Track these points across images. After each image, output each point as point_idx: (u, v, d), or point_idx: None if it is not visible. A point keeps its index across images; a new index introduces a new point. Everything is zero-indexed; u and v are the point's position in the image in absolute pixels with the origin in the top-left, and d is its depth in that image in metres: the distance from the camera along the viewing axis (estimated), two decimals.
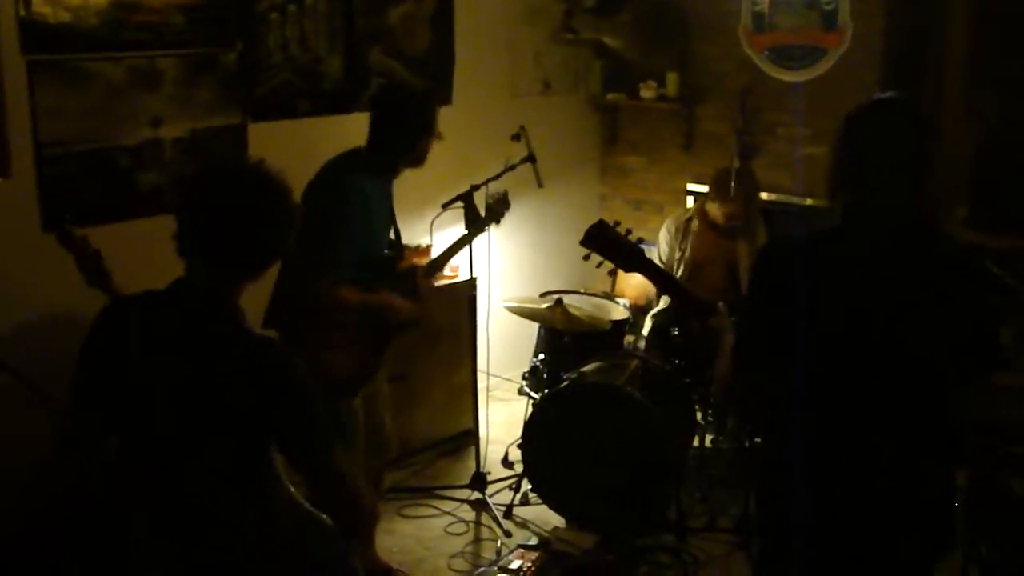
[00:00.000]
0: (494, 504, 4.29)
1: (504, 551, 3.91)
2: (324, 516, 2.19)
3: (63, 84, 3.60)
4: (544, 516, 4.19)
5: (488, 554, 3.99)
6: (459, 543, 4.08)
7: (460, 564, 3.93)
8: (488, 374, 4.85)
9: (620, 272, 3.72)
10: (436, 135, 3.50)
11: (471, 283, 4.45)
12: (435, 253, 4.66)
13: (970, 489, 3.19)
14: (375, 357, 3.50)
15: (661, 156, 5.81)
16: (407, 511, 4.31)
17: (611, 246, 2.67)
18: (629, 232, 2.73)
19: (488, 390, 4.88)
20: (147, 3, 3.77)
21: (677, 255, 4.79)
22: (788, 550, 2.21)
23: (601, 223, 2.69)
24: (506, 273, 5.22)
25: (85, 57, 3.64)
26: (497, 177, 4.23)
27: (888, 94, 2.23)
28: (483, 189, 4.17)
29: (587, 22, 5.55)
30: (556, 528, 4.06)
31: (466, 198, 4.04)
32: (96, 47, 3.66)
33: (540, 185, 4.36)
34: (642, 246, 2.74)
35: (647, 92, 5.62)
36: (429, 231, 4.22)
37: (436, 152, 3.56)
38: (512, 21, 5.34)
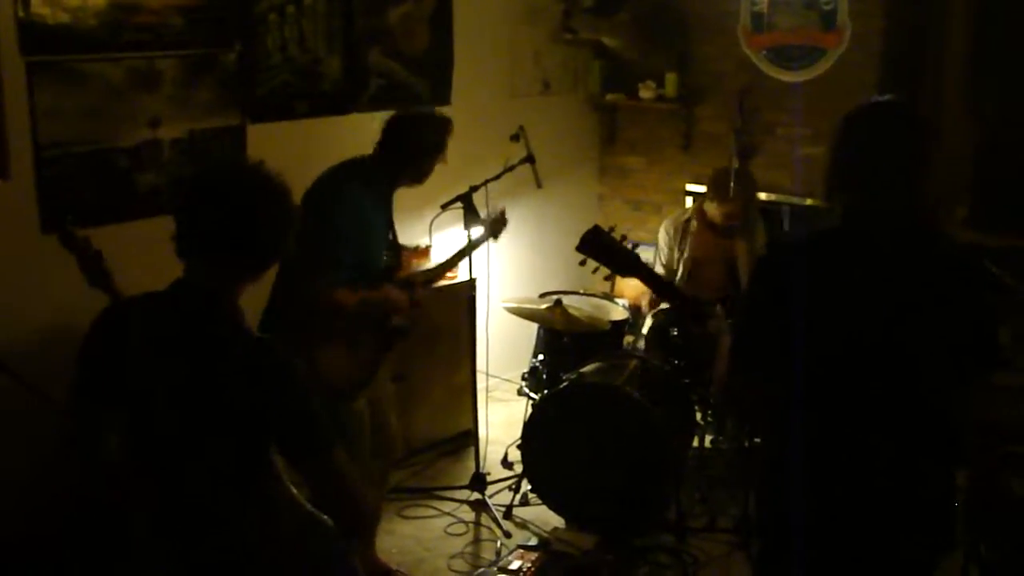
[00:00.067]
0: (494, 505, 4.29)
1: (504, 552, 3.91)
2: (325, 517, 2.19)
3: (62, 85, 3.59)
4: (544, 516, 4.19)
5: (488, 555, 3.99)
6: (459, 544, 4.08)
7: (460, 565, 3.93)
8: (487, 375, 4.84)
9: None
10: (442, 158, 3.52)
11: (470, 284, 4.45)
12: (434, 255, 4.69)
13: (970, 489, 3.19)
14: (375, 360, 3.50)
15: (660, 156, 5.81)
16: (407, 512, 4.31)
17: (606, 251, 2.68)
18: (624, 237, 2.74)
19: (488, 391, 4.88)
20: (146, 4, 3.77)
21: (676, 255, 4.79)
22: (788, 550, 2.21)
23: (596, 229, 2.70)
24: (505, 274, 5.22)
25: (84, 58, 3.64)
26: (496, 177, 4.24)
27: (886, 97, 2.23)
28: (482, 190, 4.17)
29: (586, 22, 5.55)
30: (556, 528, 4.06)
31: (465, 199, 4.05)
32: (95, 48, 3.66)
33: (539, 185, 4.37)
34: (639, 249, 2.75)
35: (646, 92, 5.62)
36: (428, 232, 4.22)
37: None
38: (511, 21, 5.34)
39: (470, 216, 4.03)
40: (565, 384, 4.09)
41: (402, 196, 3.66)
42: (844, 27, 4.95)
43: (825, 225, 2.19)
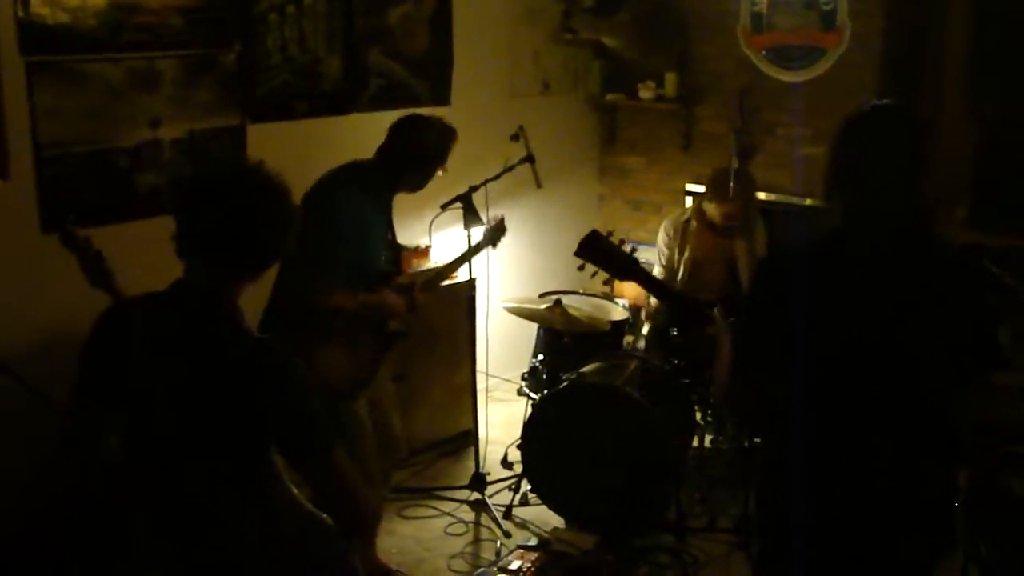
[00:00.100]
0: (493, 505, 4.29)
1: (504, 552, 3.91)
2: (325, 516, 2.19)
3: (62, 85, 3.60)
4: (544, 517, 4.19)
5: (488, 555, 3.99)
6: (459, 544, 4.08)
7: (460, 565, 3.93)
8: (487, 375, 4.85)
9: None
10: (443, 166, 3.53)
11: (470, 284, 4.45)
12: (434, 255, 4.69)
13: (970, 489, 3.19)
14: (374, 361, 3.51)
15: (660, 156, 5.81)
16: (407, 512, 4.31)
17: (605, 256, 2.68)
18: (623, 242, 2.74)
19: (487, 391, 4.88)
20: (146, 4, 3.77)
21: (676, 255, 4.79)
22: (788, 550, 2.21)
23: (595, 233, 2.70)
24: (505, 274, 5.22)
25: (84, 58, 3.64)
26: (496, 177, 4.24)
27: (885, 100, 2.24)
28: (482, 190, 4.17)
29: (586, 22, 5.55)
30: (556, 529, 4.06)
31: (465, 199, 4.05)
32: (95, 48, 3.66)
33: (539, 185, 4.37)
34: (639, 249, 2.75)
35: (646, 92, 5.62)
36: (428, 232, 4.22)
37: None
38: (511, 21, 5.34)
39: (470, 216, 4.03)
40: (565, 384, 4.09)
41: (402, 196, 3.66)
42: (844, 27, 4.95)
43: (825, 228, 2.19)
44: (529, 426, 4.11)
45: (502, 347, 4.82)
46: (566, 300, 4.42)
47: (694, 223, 4.75)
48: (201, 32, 3.96)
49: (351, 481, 2.07)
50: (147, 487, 2.14)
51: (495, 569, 3.66)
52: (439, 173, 3.57)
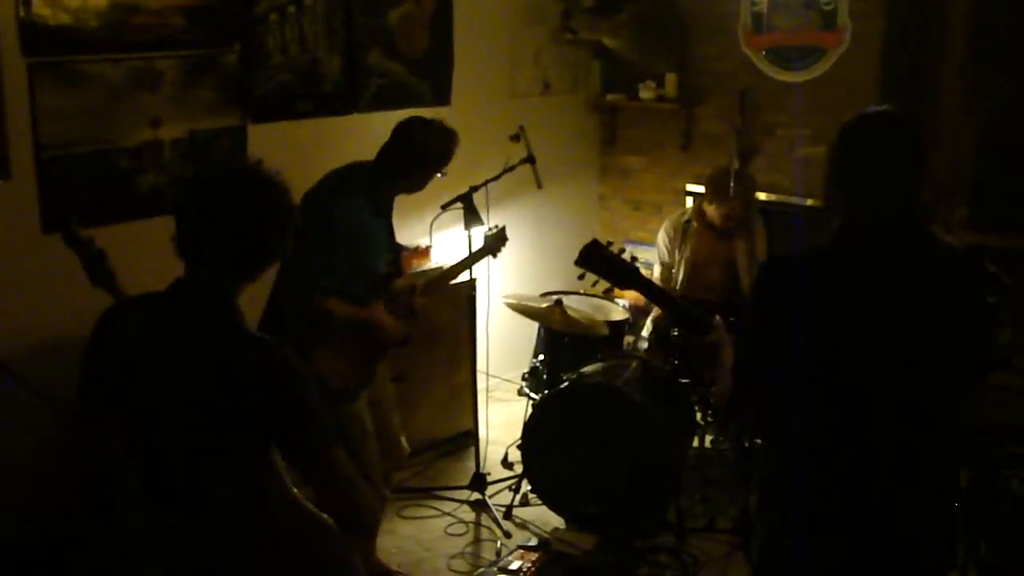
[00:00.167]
0: (494, 505, 4.29)
1: (504, 552, 3.92)
2: (325, 517, 2.19)
3: (63, 85, 3.60)
4: (544, 517, 4.20)
5: (488, 555, 3.99)
6: (459, 544, 4.08)
7: (460, 565, 3.93)
8: (488, 375, 4.85)
9: None
10: (444, 170, 3.53)
11: (471, 284, 4.45)
12: (434, 255, 4.69)
13: (970, 489, 3.19)
14: (370, 364, 3.51)
15: (660, 156, 5.81)
16: (407, 512, 4.31)
17: (606, 265, 2.69)
18: (623, 251, 2.75)
19: (488, 391, 4.88)
20: (146, 5, 3.78)
21: (676, 256, 4.79)
22: (789, 550, 2.22)
23: (595, 243, 2.71)
24: (506, 273, 5.22)
25: (85, 59, 3.64)
26: (497, 178, 4.24)
27: (883, 107, 2.25)
28: (483, 190, 4.17)
29: (586, 22, 5.56)
30: (556, 529, 4.07)
31: (465, 199, 4.05)
32: (96, 49, 3.66)
33: (539, 186, 4.37)
34: (639, 249, 2.75)
35: (646, 92, 5.62)
36: (428, 232, 4.23)
37: None
38: (511, 21, 5.34)
39: (470, 217, 4.03)
40: (565, 384, 4.09)
41: (403, 197, 3.67)
42: (844, 27, 4.95)
43: (824, 230, 2.20)
44: (529, 426, 4.12)
45: (503, 347, 4.82)
46: (566, 300, 4.43)
47: (694, 224, 4.76)
48: (202, 32, 3.96)
49: (351, 480, 2.07)
50: (147, 486, 2.14)
51: (495, 569, 3.67)
52: (438, 176, 3.57)
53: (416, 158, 3.47)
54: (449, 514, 4.30)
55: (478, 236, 4.12)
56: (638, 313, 5.02)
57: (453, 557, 3.97)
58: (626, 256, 2.77)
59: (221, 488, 2.07)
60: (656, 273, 4.86)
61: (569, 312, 4.30)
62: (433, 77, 4.93)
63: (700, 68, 5.52)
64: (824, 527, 2.17)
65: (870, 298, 2.08)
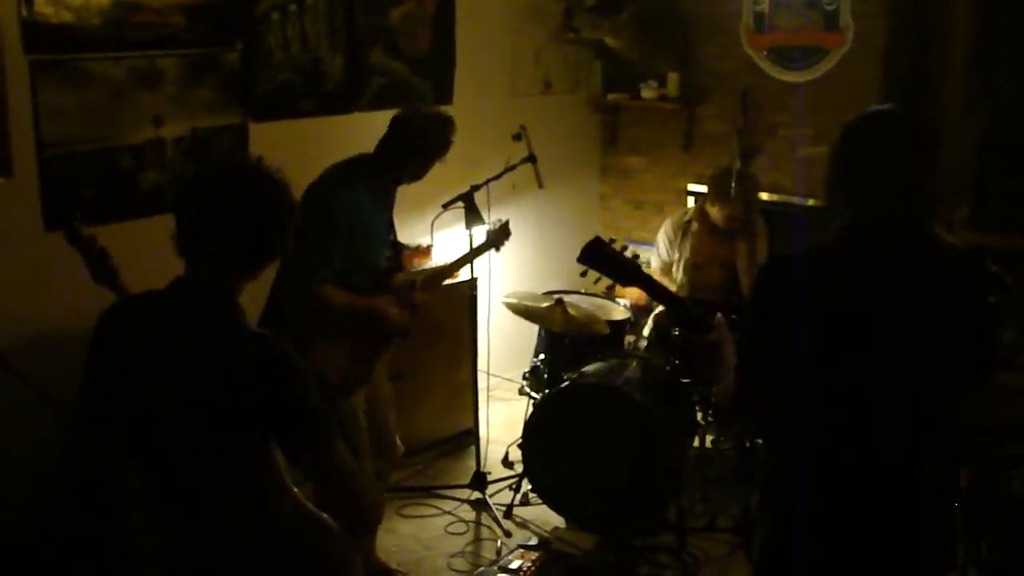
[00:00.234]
0: (494, 504, 4.29)
1: (504, 551, 3.92)
2: (325, 515, 2.19)
3: (65, 84, 3.60)
4: (544, 516, 4.20)
5: (488, 554, 3.99)
6: (459, 543, 4.08)
7: (460, 564, 3.93)
8: (488, 374, 4.85)
9: None
10: (443, 156, 3.53)
11: (472, 283, 4.45)
12: (435, 254, 4.69)
13: (970, 489, 3.19)
14: (370, 358, 3.51)
15: (661, 156, 5.81)
16: (407, 511, 4.31)
17: (608, 263, 2.68)
18: (625, 248, 2.75)
19: (488, 390, 4.88)
20: (148, 3, 3.78)
21: (676, 256, 4.79)
22: (790, 550, 2.22)
23: (597, 240, 2.70)
24: (506, 273, 5.23)
25: (87, 57, 3.64)
26: (498, 177, 4.24)
27: (886, 106, 2.25)
28: (484, 189, 4.17)
29: (588, 22, 5.56)
30: (556, 528, 4.07)
31: (466, 198, 4.05)
32: (98, 47, 3.66)
33: (540, 185, 4.37)
34: (640, 249, 2.75)
35: (648, 92, 5.62)
36: (430, 231, 4.23)
37: None
38: (513, 21, 5.34)
39: (472, 216, 4.04)
40: (566, 384, 4.09)
41: (403, 196, 3.67)
42: (846, 27, 4.95)
43: (826, 230, 2.19)
44: (530, 425, 4.12)
45: (503, 346, 4.83)
46: (567, 300, 4.42)
47: (695, 225, 4.75)
48: (203, 31, 3.96)
49: (352, 475, 2.07)
50: (148, 485, 2.14)
51: (495, 568, 3.67)
52: (439, 163, 3.56)
53: (415, 149, 3.47)
54: (449, 513, 4.30)
55: (479, 235, 4.12)
56: (639, 312, 5.02)
57: (453, 556, 3.97)
58: (628, 254, 2.77)
59: (222, 485, 2.07)
60: (654, 265, 4.86)
61: (571, 311, 4.30)
62: (435, 76, 4.93)
63: (702, 68, 5.52)
64: (825, 526, 2.17)
65: (871, 298, 2.08)
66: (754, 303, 2.34)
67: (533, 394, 4.41)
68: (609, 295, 5.15)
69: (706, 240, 4.72)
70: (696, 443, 4.41)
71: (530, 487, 4.23)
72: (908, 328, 2.08)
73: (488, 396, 4.75)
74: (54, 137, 3.59)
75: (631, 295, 5.29)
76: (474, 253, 4.05)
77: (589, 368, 4.21)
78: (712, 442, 4.59)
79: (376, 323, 3.46)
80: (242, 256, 2.07)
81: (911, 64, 4.88)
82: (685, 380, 4.26)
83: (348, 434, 3.33)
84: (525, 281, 5.41)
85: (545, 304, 4.36)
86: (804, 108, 5.08)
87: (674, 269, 4.82)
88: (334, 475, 2.04)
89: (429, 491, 4.47)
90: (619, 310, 4.80)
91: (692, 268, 4.71)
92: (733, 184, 4.56)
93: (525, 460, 4.16)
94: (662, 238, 4.86)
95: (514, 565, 3.63)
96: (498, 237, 4.08)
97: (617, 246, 2.74)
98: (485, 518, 4.27)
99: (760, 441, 3.63)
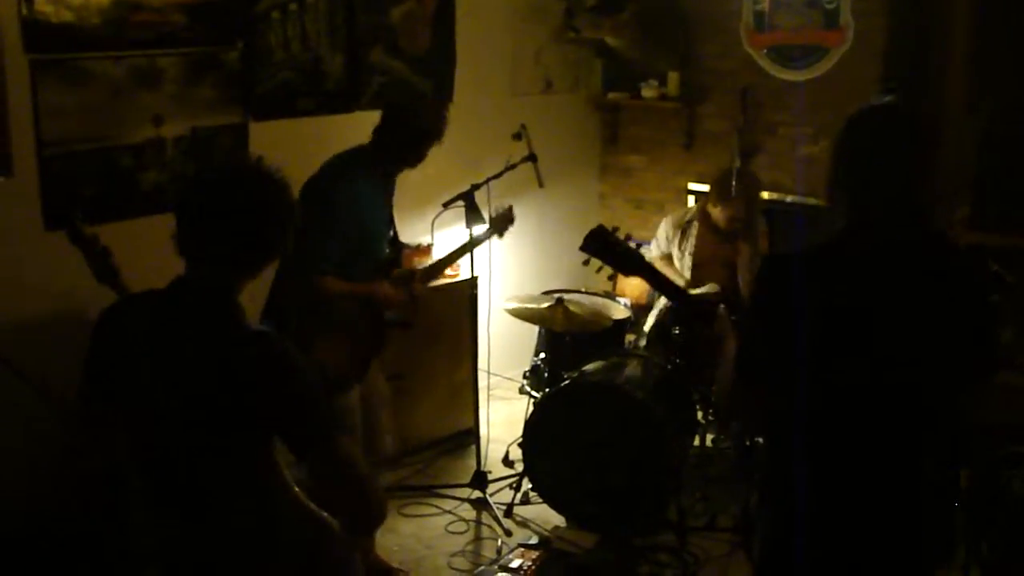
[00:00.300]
0: (495, 503, 4.29)
1: (505, 550, 3.92)
2: (326, 515, 2.19)
3: (65, 83, 3.60)
4: (544, 515, 4.20)
5: (489, 553, 3.99)
6: (460, 542, 4.08)
7: (461, 563, 3.93)
8: (489, 373, 4.85)
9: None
10: (440, 140, 3.53)
11: (472, 282, 4.45)
12: (436, 253, 4.69)
13: (970, 489, 3.19)
14: (369, 352, 3.51)
15: (662, 155, 5.81)
16: (407, 510, 4.31)
17: (611, 251, 2.68)
18: (628, 237, 2.75)
19: (489, 389, 4.88)
20: (148, 2, 3.77)
21: (677, 254, 4.79)
22: (790, 550, 2.22)
23: (600, 228, 2.70)
24: (507, 272, 5.23)
25: (87, 56, 3.64)
26: (498, 176, 4.24)
27: (887, 99, 2.23)
28: (484, 188, 4.17)
29: (588, 21, 5.56)
30: (556, 527, 4.07)
31: (467, 197, 4.05)
32: (98, 46, 3.66)
33: (541, 184, 4.37)
34: (641, 248, 2.75)
35: (648, 91, 5.62)
36: (430, 230, 4.23)
37: (437, 151, 3.57)
38: (513, 20, 5.34)
39: (472, 214, 4.03)
40: (566, 382, 4.09)
41: (404, 195, 3.67)
42: (847, 26, 4.95)
43: (827, 228, 2.19)
44: (530, 424, 4.12)
45: (503, 345, 4.82)
46: (567, 299, 4.42)
47: (697, 224, 4.75)
48: (203, 30, 3.96)
49: (357, 468, 2.06)
50: (149, 484, 2.14)
51: (496, 567, 3.67)
52: (442, 160, 3.56)
53: (411, 137, 3.47)
54: (450, 512, 4.30)
55: (480, 231, 4.11)
56: (640, 311, 5.02)
57: (454, 555, 3.98)
58: (631, 244, 2.77)
59: (222, 484, 2.07)
60: (653, 255, 4.86)
61: (571, 310, 4.30)
62: (435, 75, 4.93)
63: (702, 67, 5.52)
64: (825, 526, 2.17)
65: (871, 296, 2.08)
66: (754, 301, 2.34)
67: (533, 393, 4.42)
68: (610, 294, 5.15)
69: (708, 241, 4.71)
70: (696, 442, 4.41)
71: (530, 486, 4.23)
72: (908, 327, 2.08)
73: (488, 395, 4.74)
74: (54, 136, 3.59)
75: (632, 293, 5.29)
76: (477, 240, 4.04)
77: (589, 367, 4.21)
78: (712, 441, 4.59)
79: (376, 309, 3.46)
80: (242, 255, 2.07)
81: (911, 63, 4.88)
82: (686, 379, 4.26)
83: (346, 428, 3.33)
84: (525, 280, 5.41)
85: (546, 305, 4.36)
86: (804, 107, 5.08)
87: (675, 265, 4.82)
88: (339, 469, 2.03)
89: (429, 490, 4.47)
90: (620, 309, 4.80)
91: (693, 268, 4.71)
92: (734, 183, 4.56)
93: (525, 459, 4.16)
94: (663, 230, 4.86)
95: (514, 564, 3.63)
96: (501, 223, 4.08)
97: (620, 235, 2.74)
98: (486, 517, 4.27)
99: (760, 440, 3.63)
